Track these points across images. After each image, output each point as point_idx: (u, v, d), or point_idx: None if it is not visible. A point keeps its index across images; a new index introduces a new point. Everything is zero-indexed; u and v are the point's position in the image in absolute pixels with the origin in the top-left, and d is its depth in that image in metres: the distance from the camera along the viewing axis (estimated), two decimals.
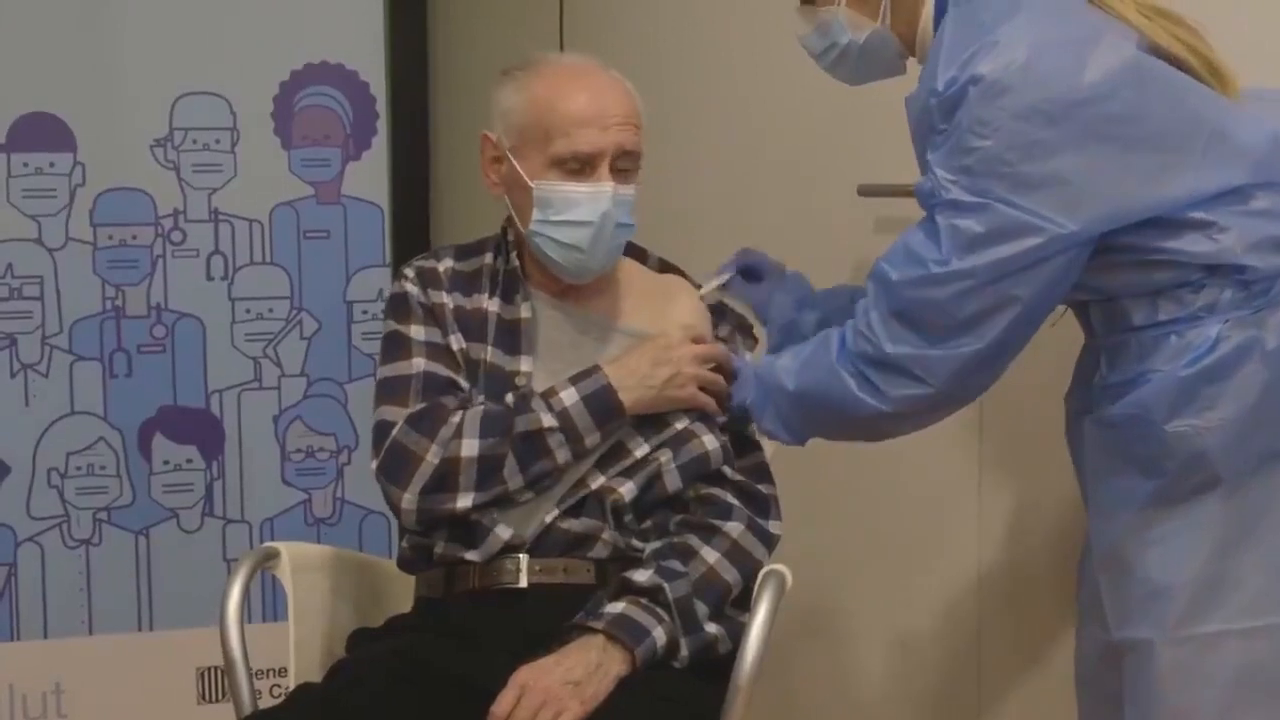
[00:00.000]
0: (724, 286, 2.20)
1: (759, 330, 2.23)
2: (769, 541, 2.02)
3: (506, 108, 2.05)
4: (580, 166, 1.99)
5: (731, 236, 2.76)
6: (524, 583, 1.95)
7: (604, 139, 1.99)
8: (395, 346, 2.05)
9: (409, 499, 1.96)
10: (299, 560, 2.09)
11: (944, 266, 1.79)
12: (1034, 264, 1.76)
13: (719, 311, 2.18)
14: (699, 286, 2.18)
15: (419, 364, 2.02)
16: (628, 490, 1.98)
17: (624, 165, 2.01)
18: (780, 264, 2.23)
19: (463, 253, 2.14)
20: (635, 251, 2.20)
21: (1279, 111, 1.85)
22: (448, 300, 2.07)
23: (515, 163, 2.03)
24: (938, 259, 1.79)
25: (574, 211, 1.99)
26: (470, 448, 1.95)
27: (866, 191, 2.56)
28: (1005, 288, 1.78)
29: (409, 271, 2.10)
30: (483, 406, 2.00)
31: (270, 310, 2.85)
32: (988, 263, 1.77)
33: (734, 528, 1.99)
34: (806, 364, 1.96)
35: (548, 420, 1.96)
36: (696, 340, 2.06)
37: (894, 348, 1.84)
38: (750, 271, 2.22)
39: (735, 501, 2.02)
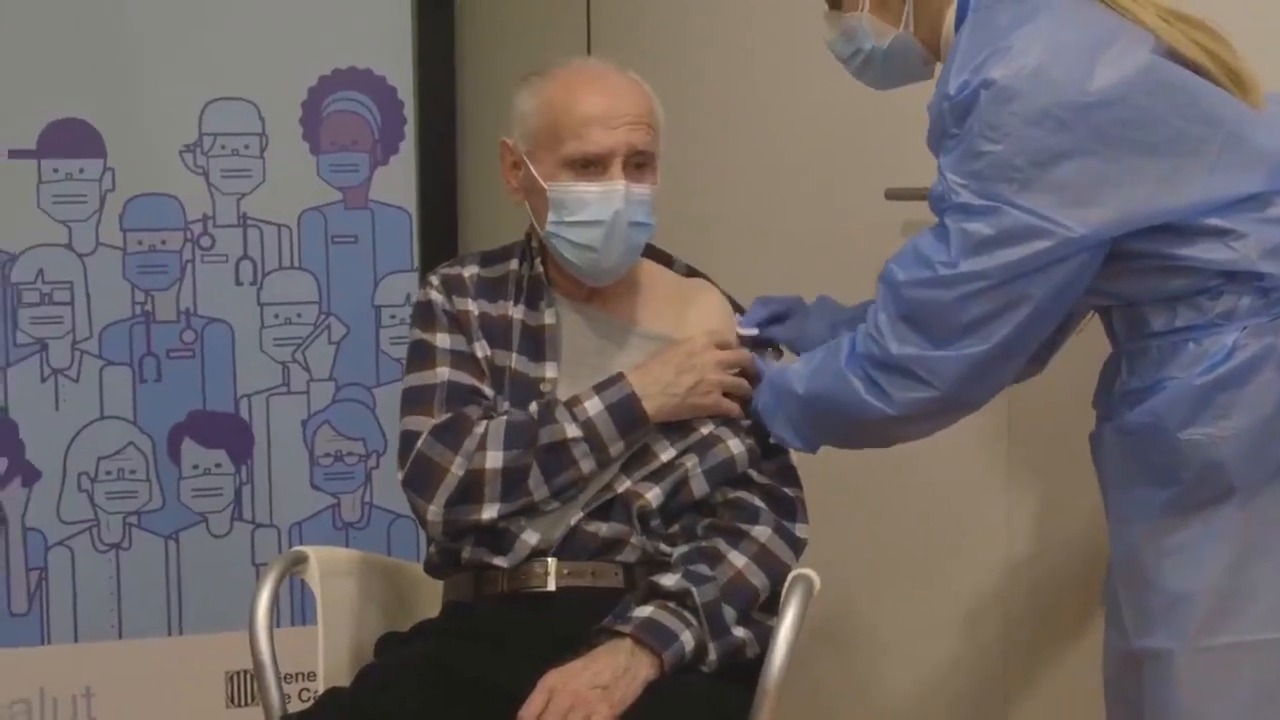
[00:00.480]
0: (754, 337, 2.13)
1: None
2: (796, 545, 2.02)
3: (523, 112, 2.06)
4: (590, 166, 1.99)
5: (759, 240, 2.77)
6: (552, 586, 1.96)
7: (612, 138, 1.99)
8: (420, 355, 2.05)
9: (434, 511, 1.96)
10: (327, 565, 2.09)
11: (951, 269, 1.78)
12: (1043, 267, 1.75)
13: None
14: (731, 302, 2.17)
15: (444, 373, 2.03)
16: (654, 496, 1.98)
17: (638, 163, 2.01)
18: (799, 298, 2.20)
19: (489, 259, 2.14)
20: (660, 257, 2.20)
21: None
22: (473, 307, 2.07)
23: (531, 166, 2.04)
24: (945, 261, 1.78)
25: (586, 211, 2.00)
26: (495, 459, 1.95)
27: (894, 195, 2.55)
28: (1013, 291, 1.76)
29: (434, 279, 2.11)
30: (506, 417, 2.00)
31: (299, 315, 2.85)
32: (996, 265, 1.75)
33: (761, 531, 1.99)
34: (817, 369, 1.95)
35: (572, 431, 1.96)
36: (721, 345, 2.06)
37: (900, 349, 1.83)
38: (774, 318, 2.16)
39: (762, 505, 2.02)
